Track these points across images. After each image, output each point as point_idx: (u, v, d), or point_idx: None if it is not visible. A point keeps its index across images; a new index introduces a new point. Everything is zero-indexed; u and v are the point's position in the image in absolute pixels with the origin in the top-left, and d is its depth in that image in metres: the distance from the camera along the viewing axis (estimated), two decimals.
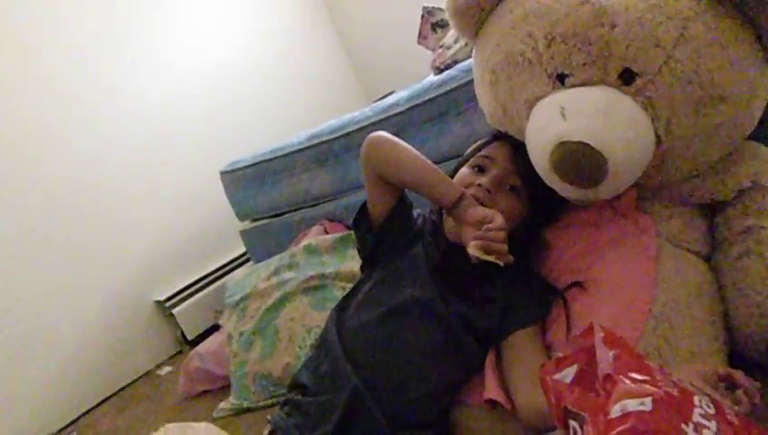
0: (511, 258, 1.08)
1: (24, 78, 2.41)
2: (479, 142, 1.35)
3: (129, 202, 2.71)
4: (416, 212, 1.38)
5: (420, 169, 1.20)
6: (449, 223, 1.25)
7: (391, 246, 1.30)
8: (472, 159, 1.29)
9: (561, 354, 0.76)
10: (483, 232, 1.08)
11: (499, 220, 1.09)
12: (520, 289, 1.18)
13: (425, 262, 1.24)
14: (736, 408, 0.71)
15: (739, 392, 0.78)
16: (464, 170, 1.28)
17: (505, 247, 1.07)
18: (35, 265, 2.35)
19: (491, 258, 1.06)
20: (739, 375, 0.80)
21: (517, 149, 1.20)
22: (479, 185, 1.20)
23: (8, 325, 2.24)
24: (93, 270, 2.54)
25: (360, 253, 1.40)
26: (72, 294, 2.45)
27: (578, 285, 1.15)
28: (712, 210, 1.16)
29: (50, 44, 2.52)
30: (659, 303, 1.04)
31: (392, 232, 1.30)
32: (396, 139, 1.25)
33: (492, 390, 1.10)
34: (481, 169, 1.25)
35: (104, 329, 2.55)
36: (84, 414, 2.41)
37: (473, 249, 1.07)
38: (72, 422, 2.37)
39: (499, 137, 1.29)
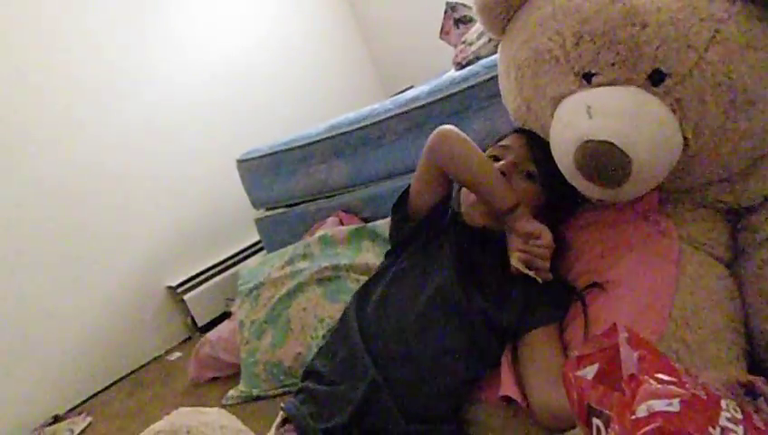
0: (550, 276, 1.11)
1: (41, 66, 2.42)
2: (498, 137, 1.35)
3: (144, 189, 2.73)
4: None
5: (484, 170, 1.19)
6: (466, 205, 1.27)
7: (423, 237, 1.31)
8: (489, 150, 1.30)
9: (577, 353, 0.76)
10: (529, 246, 1.10)
11: (547, 238, 1.12)
12: (539, 288, 1.17)
13: (449, 254, 1.24)
14: (757, 416, 0.70)
15: (760, 400, 0.77)
16: None
17: (547, 265, 1.11)
18: (48, 249, 2.36)
19: (530, 273, 1.09)
20: (761, 383, 0.79)
21: (533, 138, 1.22)
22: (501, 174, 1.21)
23: (22, 308, 2.26)
24: (107, 255, 2.55)
25: (391, 238, 1.39)
26: (85, 278, 2.47)
27: (597, 285, 1.14)
28: (736, 215, 1.15)
29: (66, 33, 2.53)
30: (679, 306, 1.03)
31: (430, 224, 1.31)
32: (465, 135, 1.24)
33: (507, 387, 1.09)
34: (498, 160, 1.25)
35: (116, 313, 2.56)
36: (94, 396, 2.43)
37: (516, 262, 1.10)
38: (82, 404, 2.39)
39: (517, 130, 1.30)
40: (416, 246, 1.30)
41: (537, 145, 1.20)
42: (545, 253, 1.10)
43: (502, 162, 1.22)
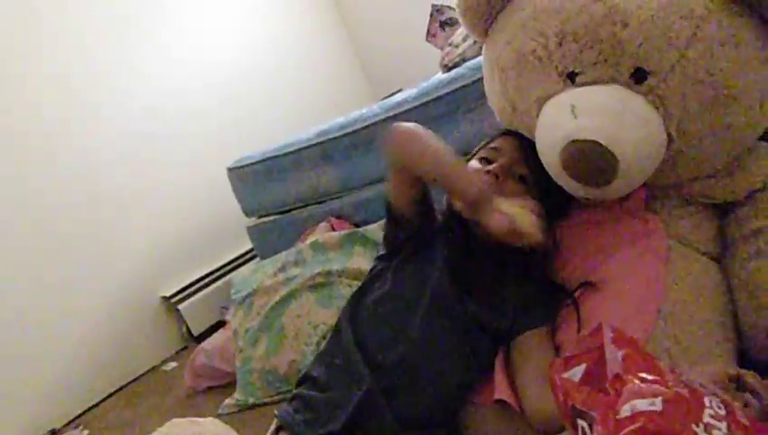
0: (541, 237, 1.07)
1: (30, 74, 2.42)
2: (486, 139, 1.35)
3: (136, 198, 2.72)
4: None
5: (441, 161, 1.11)
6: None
7: (413, 243, 1.28)
8: (480, 152, 1.30)
9: (565, 355, 0.76)
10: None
11: (530, 203, 1.14)
12: (530, 289, 1.18)
13: (442, 258, 1.22)
14: (745, 410, 0.70)
15: (747, 395, 0.77)
16: (472, 163, 1.27)
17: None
18: (41, 260, 2.35)
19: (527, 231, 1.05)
20: (749, 377, 0.80)
21: (524, 141, 1.22)
22: (487, 171, 1.20)
23: (15, 320, 2.25)
24: (99, 265, 2.54)
25: (385, 242, 1.36)
26: (79, 289, 2.46)
27: (587, 284, 1.14)
28: (723, 211, 1.15)
29: (54, 39, 2.53)
30: (669, 303, 1.03)
31: (416, 229, 1.27)
32: (421, 129, 1.18)
33: (501, 390, 1.09)
34: (489, 162, 1.24)
35: (110, 324, 2.55)
36: (90, 409, 2.42)
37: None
38: (78, 417, 2.38)
39: (506, 132, 1.30)
40: (409, 250, 1.29)
41: (528, 147, 1.19)
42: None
43: (494, 165, 1.21)
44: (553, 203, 1.24)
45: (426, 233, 1.29)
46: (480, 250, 1.24)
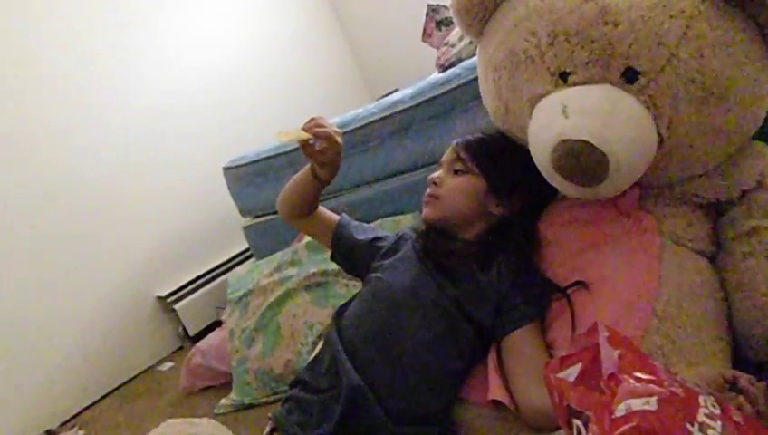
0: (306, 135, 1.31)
1: (26, 74, 2.41)
2: None
3: (132, 198, 2.72)
4: (385, 233, 1.48)
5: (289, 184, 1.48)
6: (425, 212, 1.31)
7: (388, 253, 1.36)
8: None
9: (564, 353, 0.76)
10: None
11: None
12: (517, 286, 1.18)
13: (414, 255, 1.27)
14: (738, 413, 0.70)
15: (740, 398, 0.76)
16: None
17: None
18: (37, 260, 2.35)
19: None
20: (743, 380, 0.79)
21: (463, 141, 1.31)
22: (432, 183, 1.31)
23: (10, 320, 2.25)
24: (95, 265, 2.54)
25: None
26: (74, 290, 2.46)
27: (580, 283, 1.14)
28: (716, 210, 1.15)
29: (52, 40, 2.52)
30: (662, 301, 1.03)
31: (352, 249, 1.43)
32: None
33: (495, 390, 1.09)
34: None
35: (106, 324, 2.55)
36: (86, 409, 2.43)
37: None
38: (74, 417, 2.38)
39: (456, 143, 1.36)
40: (383, 262, 1.33)
41: (465, 143, 1.29)
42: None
43: (434, 175, 1.31)
44: (509, 183, 1.26)
45: (397, 245, 1.37)
46: (451, 247, 1.27)
